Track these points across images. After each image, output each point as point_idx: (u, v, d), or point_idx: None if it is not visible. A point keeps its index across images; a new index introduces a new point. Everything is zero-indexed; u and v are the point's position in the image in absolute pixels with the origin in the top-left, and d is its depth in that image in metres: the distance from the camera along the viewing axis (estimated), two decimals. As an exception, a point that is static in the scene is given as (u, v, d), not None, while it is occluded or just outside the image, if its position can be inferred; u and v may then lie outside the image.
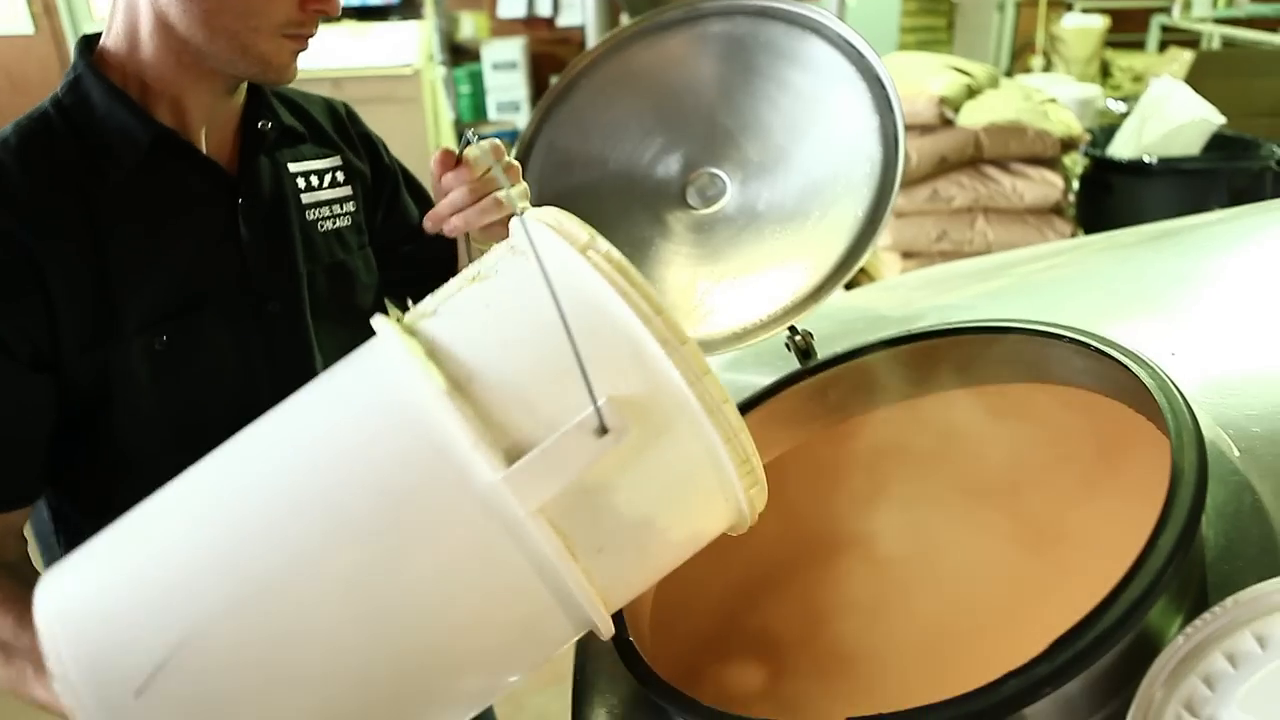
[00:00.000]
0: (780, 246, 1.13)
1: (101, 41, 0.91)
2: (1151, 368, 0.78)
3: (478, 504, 0.57)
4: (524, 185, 0.89)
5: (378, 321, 0.65)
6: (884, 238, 3.07)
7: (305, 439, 0.64)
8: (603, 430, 0.56)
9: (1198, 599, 0.67)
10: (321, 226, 1.02)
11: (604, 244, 0.62)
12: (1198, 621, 0.62)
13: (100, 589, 0.61)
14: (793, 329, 1.07)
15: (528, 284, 0.60)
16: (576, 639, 0.67)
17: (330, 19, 0.88)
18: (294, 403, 0.67)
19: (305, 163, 1.02)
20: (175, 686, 0.56)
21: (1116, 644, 0.61)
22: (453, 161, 0.85)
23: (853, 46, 1.08)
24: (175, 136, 0.89)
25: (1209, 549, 0.70)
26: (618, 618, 0.83)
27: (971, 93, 3.14)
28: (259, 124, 0.96)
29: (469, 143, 0.85)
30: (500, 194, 0.86)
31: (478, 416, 0.57)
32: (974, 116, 2.98)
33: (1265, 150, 3.17)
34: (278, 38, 0.84)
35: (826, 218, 1.11)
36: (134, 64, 0.88)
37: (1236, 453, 0.75)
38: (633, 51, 1.19)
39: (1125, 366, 0.79)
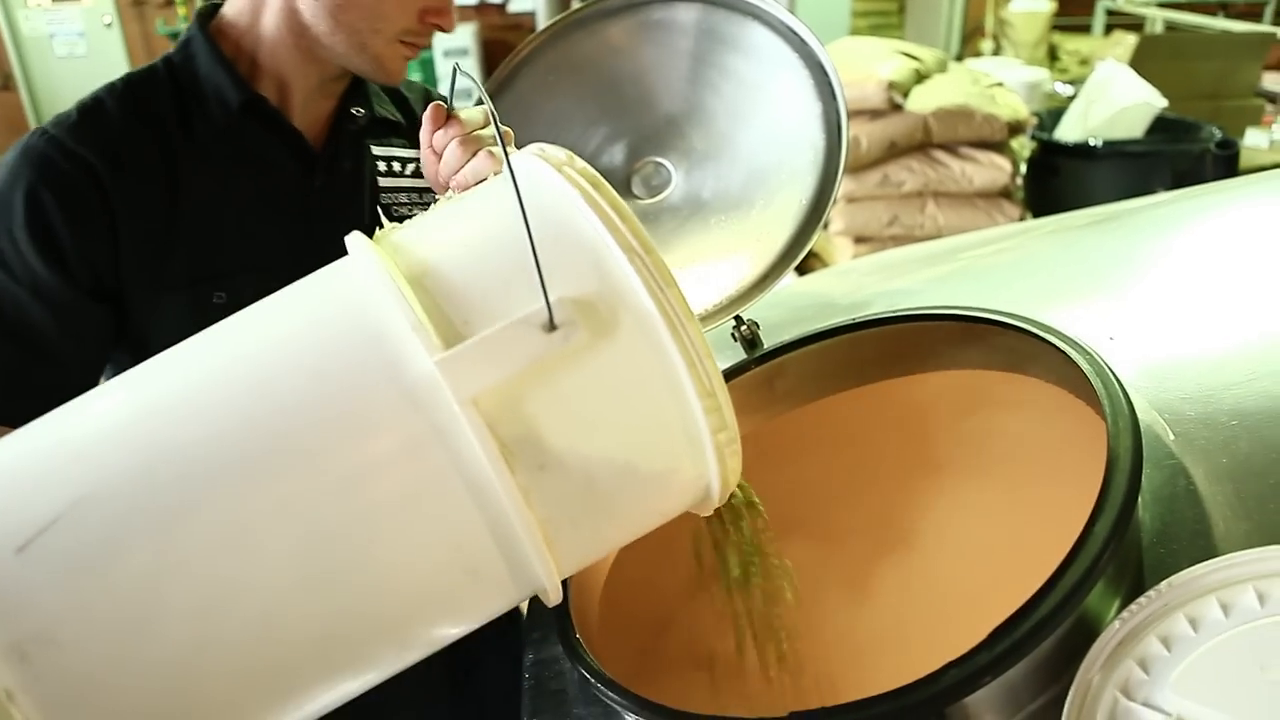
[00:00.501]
0: (725, 236, 1.12)
1: (222, 11, 0.95)
2: (1090, 354, 0.78)
3: (407, 397, 0.54)
4: (511, 133, 0.88)
5: (351, 235, 0.62)
6: (836, 223, 3.09)
7: (246, 324, 0.61)
8: (551, 326, 0.53)
9: (1135, 582, 0.68)
10: (395, 212, 1.02)
11: (580, 163, 0.60)
12: (1133, 606, 0.63)
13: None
14: (738, 319, 1.07)
15: (498, 194, 0.58)
16: (520, 600, 0.61)
17: (444, 32, 0.92)
18: (257, 304, 0.64)
19: (392, 149, 1.03)
20: (60, 547, 0.52)
21: (1055, 630, 0.62)
22: (443, 117, 0.84)
23: (795, 33, 1.08)
24: (266, 104, 0.92)
25: (1145, 532, 0.71)
26: (564, 611, 0.82)
27: (920, 77, 3.16)
28: (353, 109, 0.98)
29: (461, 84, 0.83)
30: (493, 147, 0.84)
31: (422, 305, 0.54)
32: (923, 101, 3.00)
33: (1206, 133, 3.24)
34: (394, 43, 0.88)
35: (771, 206, 1.11)
36: (250, 38, 0.92)
37: (1171, 436, 0.76)
38: (575, 39, 1.17)
39: (1064, 353, 0.80)
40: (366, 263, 0.58)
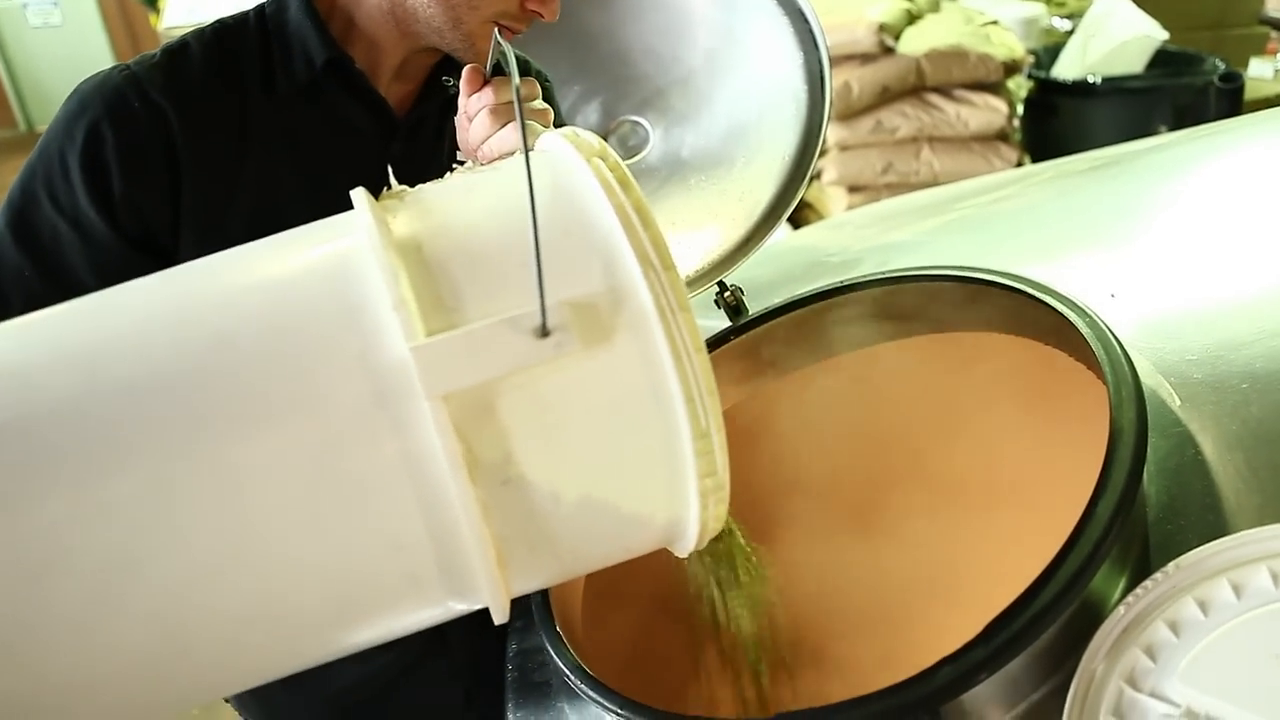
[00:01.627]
0: (706, 196, 1.07)
1: None
2: (1090, 316, 0.74)
3: (372, 379, 0.48)
4: (549, 111, 0.84)
5: (357, 190, 0.57)
6: (829, 173, 3.02)
7: (225, 266, 0.56)
8: (544, 333, 0.48)
9: (1140, 562, 0.64)
10: None
11: (614, 156, 0.55)
12: (1139, 590, 0.59)
13: None
14: (722, 285, 1.02)
15: (516, 175, 0.52)
16: (465, 613, 0.56)
17: (545, 19, 0.88)
18: (244, 246, 0.59)
19: None
20: None
21: (1056, 620, 0.58)
22: (480, 81, 0.80)
23: (773, -22, 1.02)
24: (351, 64, 0.88)
25: (1150, 507, 0.67)
26: (545, 601, 0.79)
27: (911, 18, 3.06)
28: (444, 78, 0.94)
29: (501, 54, 0.78)
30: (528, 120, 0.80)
31: (412, 278, 0.49)
32: (915, 43, 2.91)
33: (1208, 65, 3.14)
34: (489, 23, 0.84)
35: (753, 163, 1.05)
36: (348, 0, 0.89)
37: (1178, 402, 0.72)
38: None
39: (1063, 315, 0.75)
40: (363, 223, 0.52)
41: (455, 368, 0.47)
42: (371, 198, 0.55)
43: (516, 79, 0.61)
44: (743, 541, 0.74)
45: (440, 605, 0.54)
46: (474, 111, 0.79)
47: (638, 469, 0.52)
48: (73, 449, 0.48)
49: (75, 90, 0.84)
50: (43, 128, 0.89)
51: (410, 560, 0.50)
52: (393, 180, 0.60)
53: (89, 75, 0.85)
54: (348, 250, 0.52)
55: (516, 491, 0.50)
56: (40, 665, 0.48)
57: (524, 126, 0.52)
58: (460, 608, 0.54)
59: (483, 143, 0.77)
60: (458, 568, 0.51)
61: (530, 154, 0.53)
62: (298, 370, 0.49)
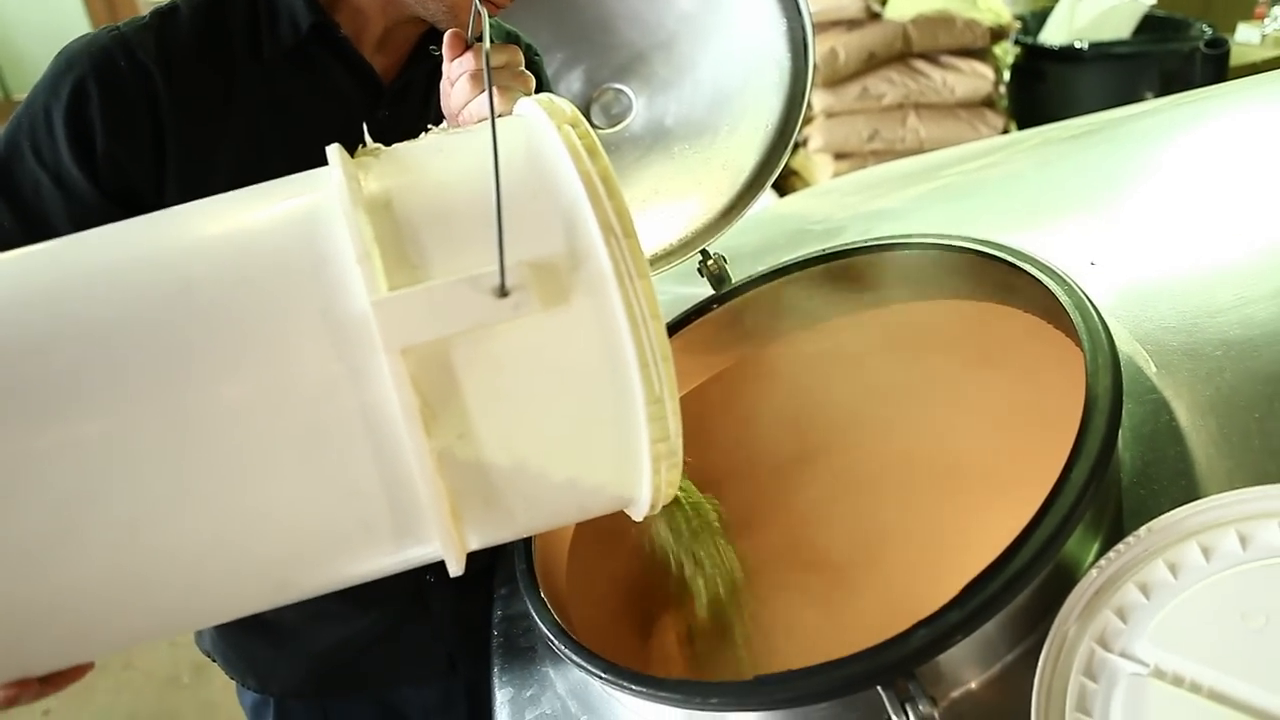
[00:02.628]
0: (690, 164, 1.07)
1: None
2: (1069, 284, 0.75)
3: (333, 330, 0.49)
4: (530, 78, 0.83)
5: (332, 146, 0.58)
6: (815, 140, 3.01)
7: (197, 214, 0.57)
8: (503, 292, 0.49)
9: (1114, 526, 0.66)
10: None
11: (585, 125, 0.56)
12: (1111, 554, 0.60)
13: None
14: (705, 253, 1.02)
15: (486, 139, 0.52)
16: (420, 564, 0.56)
17: None
18: (218, 196, 0.59)
19: None
20: None
21: (1030, 583, 0.59)
22: (462, 46, 0.80)
23: (757, -56, 1.01)
24: (337, 30, 0.88)
25: (1125, 472, 0.68)
26: (528, 567, 0.80)
27: (900, -17, 3.04)
28: (431, 47, 0.94)
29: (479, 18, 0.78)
30: (507, 85, 0.80)
31: (378, 233, 0.50)
32: (901, 8, 2.89)
33: (1195, 30, 3.13)
34: None
35: (737, 131, 1.05)
36: None
37: (1153, 369, 0.73)
38: (524, -42, 1.09)
39: (1042, 283, 0.76)
40: (334, 178, 0.53)
41: (414, 323, 0.48)
42: (345, 154, 0.56)
43: (487, 44, 0.61)
44: (705, 505, 0.75)
45: (396, 554, 0.55)
46: (455, 76, 0.78)
47: (591, 430, 0.54)
48: (37, 385, 0.49)
49: (63, 49, 0.84)
50: (20, 95, 0.89)
51: (365, 509, 0.52)
52: (368, 139, 0.61)
53: (73, 38, 0.85)
54: (317, 204, 0.53)
55: (471, 447, 0.51)
56: (6, 592, 0.49)
57: (491, 91, 0.53)
58: (417, 555, 0.55)
59: (463, 108, 0.77)
60: (412, 519, 0.52)
61: (503, 118, 0.53)
62: (262, 319, 0.50)
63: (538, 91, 0.79)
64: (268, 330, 0.50)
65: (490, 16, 0.75)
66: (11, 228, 0.82)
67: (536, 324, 0.50)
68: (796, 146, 0.96)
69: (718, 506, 0.80)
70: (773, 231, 1.38)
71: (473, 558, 0.99)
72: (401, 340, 0.48)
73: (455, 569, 0.55)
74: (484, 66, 0.57)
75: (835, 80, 2.90)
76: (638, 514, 0.60)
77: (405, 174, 0.55)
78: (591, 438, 0.54)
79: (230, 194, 0.58)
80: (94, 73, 0.81)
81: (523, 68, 0.80)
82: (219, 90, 0.85)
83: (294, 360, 0.50)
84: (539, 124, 0.56)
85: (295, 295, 0.51)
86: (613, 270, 0.50)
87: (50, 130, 0.81)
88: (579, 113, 0.57)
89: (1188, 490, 0.65)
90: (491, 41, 0.78)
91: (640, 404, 0.52)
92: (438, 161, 0.57)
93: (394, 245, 0.50)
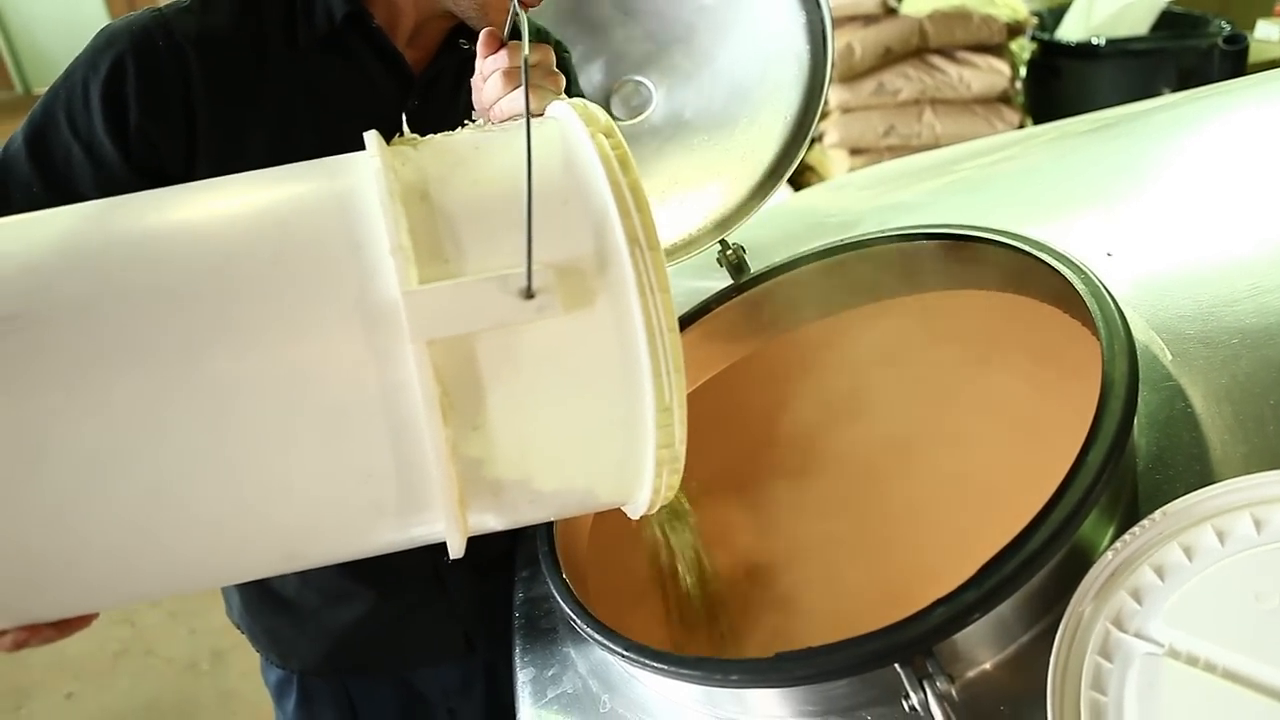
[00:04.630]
0: (709, 156, 1.08)
1: None
2: (1085, 273, 0.75)
3: (363, 316, 0.51)
4: (561, 77, 0.85)
5: (370, 133, 0.60)
6: (830, 135, 3.01)
7: (238, 187, 0.59)
8: (529, 294, 0.51)
9: (1129, 510, 0.66)
10: None
11: (618, 136, 0.58)
12: (1126, 536, 0.61)
13: None
14: (724, 243, 1.03)
15: (519, 143, 0.55)
16: (423, 543, 0.59)
17: None
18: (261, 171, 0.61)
19: None
20: None
21: (1046, 564, 0.60)
22: (496, 44, 0.82)
23: (777, -63, 1.02)
24: (370, 20, 0.90)
25: (1140, 458, 0.69)
26: (550, 549, 0.81)
27: (916, -22, 3.03)
28: (461, 40, 0.96)
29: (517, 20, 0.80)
30: (539, 85, 0.81)
31: (413, 224, 0.52)
32: (918, 4, 2.89)
33: (1213, 27, 3.12)
34: None
35: (755, 123, 1.06)
36: None
37: (1169, 357, 0.74)
38: (547, -48, 1.11)
39: (1059, 272, 0.77)
40: (373, 166, 0.55)
41: (442, 317, 0.50)
42: (383, 141, 0.58)
43: (526, 45, 0.63)
44: (686, 508, 0.77)
45: (400, 533, 0.57)
46: (488, 73, 0.80)
47: (601, 432, 0.56)
48: (76, 345, 0.51)
49: (105, 26, 0.87)
50: (40, 90, 0.92)
51: (377, 488, 0.54)
52: (405, 128, 0.62)
53: (99, 28, 0.88)
54: (354, 189, 0.55)
55: (485, 438, 0.53)
56: (21, 541, 0.52)
57: (528, 94, 0.55)
58: (421, 535, 0.58)
59: (495, 103, 0.79)
60: (420, 502, 0.54)
61: (539, 120, 0.55)
62: (296, 297, 0.52)
63: (566, 90, 0.81)
64: (301, 309, 0.52)
65: (522, 11, 0.76)
66: (40, 194, 0.85)
67: (558, 326, 0.52)
68: (812, 141, 0.97)
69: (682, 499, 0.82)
70: (789, 225, 1.39)
71: (492, 542, 1.01)
72: (428, 332, 0.50)
73: (455, 552, 0.57)
74: (523, 67, 0.59)
75: (851, 76, 2.90)
76: (635, 514, 0.62)
77: (442, 166, 0.57)
78: (600, 439, 0.56)
79: (270, 170, 0.60)
80: (133, 51, 0.83)
81: (554, 66, 0.81)
82: (253, 74, 0.87)
83: (324, 340, 0.52)
84: (575, 131, 0.58)
85: (329, 277, 0.52)
86: (635, 281, 0.53)
87: (86, 103, 0.83)
88: (612, 123, 0.59)
89: (1203, 475, 0.66)
90: (519, 42, 0.80)
91: (650, 411, 0.54)
92: (475, 158, 0.58)
93: (427, 237, 0.52)
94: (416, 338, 0.50)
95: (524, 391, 0.53)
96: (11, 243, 0.56)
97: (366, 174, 0.55)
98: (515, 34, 0.82)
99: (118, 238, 0.55)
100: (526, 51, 0.62)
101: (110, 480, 0.51)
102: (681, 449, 0.56)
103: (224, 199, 0.58)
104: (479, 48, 0.82)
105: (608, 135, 0.57)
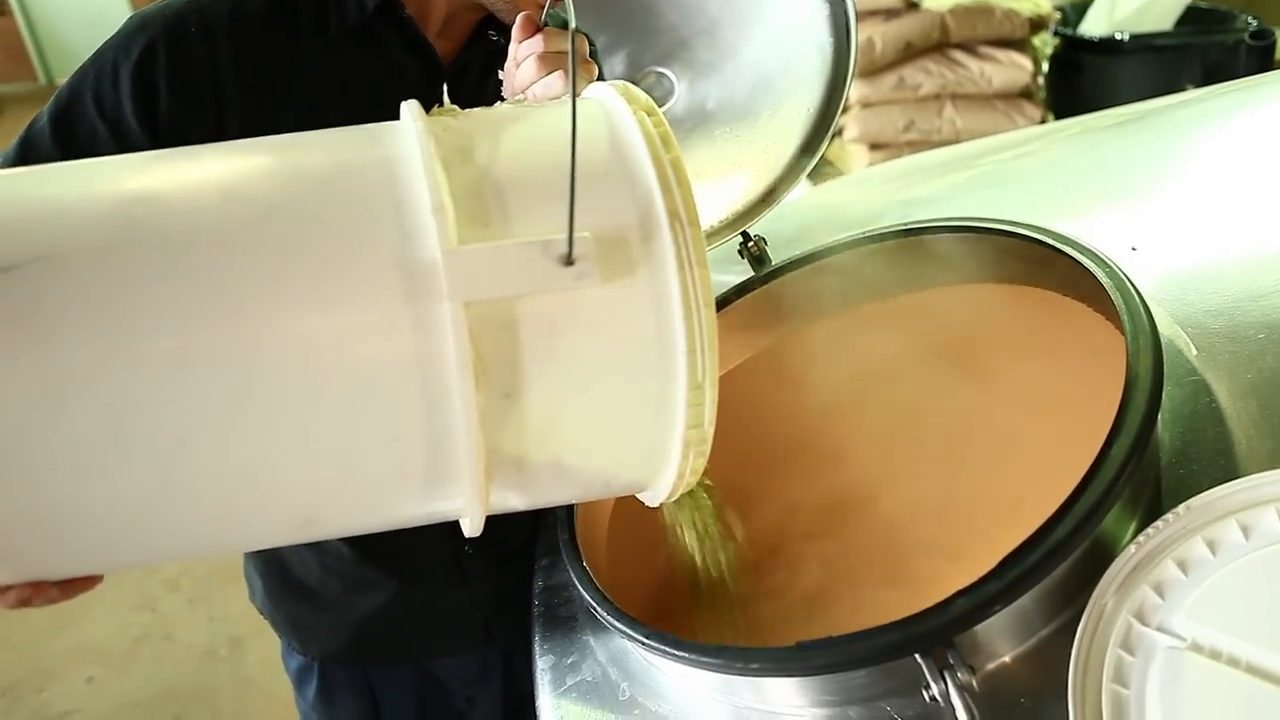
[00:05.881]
0: (731, 148, 1.08)
1: None
2: (1110, 267, 0.75)
3: (403, 278, 0.51)
4: (594, 65, 0.87)
5: (408, 102, 0.60)
6: (850, 130, 3.00)
7: (282, 146, 0.59)
8: (569, 261, 0.51)
9: (1152, 504, 0.66)
10: None
11: (660, 115, 0.58)
12: (1150, 530, 0.61)
13: None
14: (745, 235, 1.03)
15: (564, 113, 0.55)
16: (438, 520, 0.58)
17: None
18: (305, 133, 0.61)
19: None
20: (5, 294, 0.49)
21: (1068, 557, 0.60)
22: (533, 29, 0.82)
23: (801, -71, 1.01)
24: (402, 10, 0.91)
25: (1164, 452, 0.68)
26: (570, 537, 0.81)
27: (938, -28, 3.02)
28: (490, 32, 0.96)
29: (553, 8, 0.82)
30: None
31: (452, 191, 0.52)
32: (941, -2, 2.88)
33: (1240, 22, 3.09)
34: None
35: (778, 116, 1.06)
36: None
37: (1194, 351, 0.73)
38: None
39: (1082, 265, 0.76)
40: (416, 130, 0.55)
41: (481, 278, 0.50)
42: (422, 109, 0.58)
43: (573, 23, 0.62)
44: (706, 498, 0.77)
45: (421, 505, 0.57)
46: (523, 57, 0.80)
47: (631, 407, 0.56)
48: (107, 290, 0.50)
49: (138, 11, 0.88)
50: (62, 80, 0.92)
51: (404, 454, 0.53)
52: (446, 98, 0.62)
53: (123, 19, 0.88)
54: (399, 152, 0.55)
55: (516, 407, 0.53)
56: (38, 489, 0.51)
57: (574, 70, 0.55)
58: (441, 510, 0.57)
59: (528, 87, 0.80)
60: (446, 470, 0.54)
61: (579, 98, 0.55)
62: (336, 253, 0.52)
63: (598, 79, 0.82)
64: (341, 265, 0.52)
65: (552, 6, 0.78)
66: None
67: (595, 298, 0.52)
68: (835, 132, 0.98)
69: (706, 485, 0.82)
70: (809, 218, 1.39)
71: (513, 532, 1.02)
72: (467, 293, 0.50)
73: (471, 529, 0.57)
74: (569, 38, 0.59)
75: (872, 70, 2.89)
76: (657, 498, 0.61)
77: (485, 135, 0.57)
78: (630, 414, 0.56)
79: (311, 133, 0.60)
80: (165, 35, 0.84)
81: (589, 55, 0.82)
82: (283, 62, 0.88)
83: (362, 297, 0.52)
84: (618, 108, 0.58)
85: (371, 235, 0.52)
86: (675, 255, 0.52)
87: (116, 84, 0.84)
88: (653, 103, 0.59)
89: (1227, 470, 0.65)
90: (559, 28, 0.81)
91: (682, 389, 0.54)
92: (517, 128, 0.59)
93: (468, 201, 0.52)
94: (454, 297, 0.50)
95: (557, 362, 0.53)
96: (49, 186, 0.56)
97: (409, 137, 0.55)
98: (548, 22, 0.82)
99: (152, 187, 0.55)
100: (574, 23, 0.62)
101: (133, 428, 0.50)
102: (710, 430, 0.56)
103: (264, 156, 0.58)
104: (515, 31, 0.82)
105: (649, 114, 0.58)
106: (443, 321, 0.50)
